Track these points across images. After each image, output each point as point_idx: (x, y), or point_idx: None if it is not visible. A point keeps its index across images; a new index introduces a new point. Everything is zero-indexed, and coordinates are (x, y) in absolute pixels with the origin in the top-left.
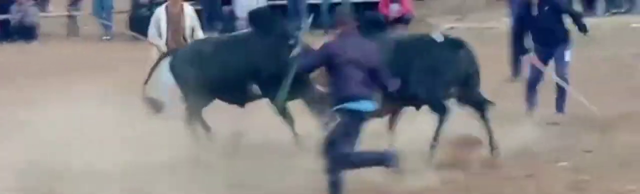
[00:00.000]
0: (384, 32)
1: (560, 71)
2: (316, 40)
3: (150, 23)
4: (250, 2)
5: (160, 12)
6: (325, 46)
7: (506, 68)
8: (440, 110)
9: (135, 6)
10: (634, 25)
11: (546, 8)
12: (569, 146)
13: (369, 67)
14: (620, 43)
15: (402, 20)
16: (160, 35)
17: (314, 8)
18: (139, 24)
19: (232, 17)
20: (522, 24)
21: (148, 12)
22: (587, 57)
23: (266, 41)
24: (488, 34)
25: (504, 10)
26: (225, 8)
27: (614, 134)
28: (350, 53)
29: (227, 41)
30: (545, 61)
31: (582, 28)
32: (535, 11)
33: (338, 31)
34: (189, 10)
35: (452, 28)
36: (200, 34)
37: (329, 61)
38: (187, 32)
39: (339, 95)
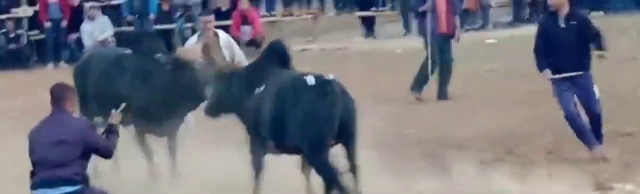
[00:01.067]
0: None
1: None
2: None
3: None
4: (95, 30)
5: (192, 43)
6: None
7: (371, 88)
8: (322, 168)
9: None
10: (489, 41)
11: (571, 23)
12: None
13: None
14: (477, 59)
15: (254, 43)
16: None
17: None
18: None
19: (79, 45)
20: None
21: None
22: None
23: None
24: (340, 55)
25: (355, 31)
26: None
27: None
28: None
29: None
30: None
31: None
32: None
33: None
34: (223, 38)
35: (304, 50)
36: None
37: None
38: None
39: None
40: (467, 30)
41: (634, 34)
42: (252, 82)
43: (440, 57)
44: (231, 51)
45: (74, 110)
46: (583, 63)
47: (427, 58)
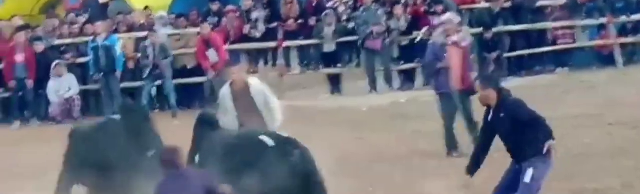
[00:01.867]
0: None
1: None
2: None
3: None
4: (61, 88)
5: (225, 93)
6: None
7: (335, 147)
8: None
9: None
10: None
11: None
12: None
13: None
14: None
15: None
16: (231, 120)
17: (131, 92)
18: None
19: (46, 102)
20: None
21: None
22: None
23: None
24: (306, 112)
25: (321, 88)
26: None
27: None
28: None
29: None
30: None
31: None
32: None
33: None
34: (256, 86)
35: None
36: (273, 111)
37: None
38: (260, 110)
39: None
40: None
41: (599, 90)
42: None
43: (464, 111)
44: (263, 98)
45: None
46: (525, 154)
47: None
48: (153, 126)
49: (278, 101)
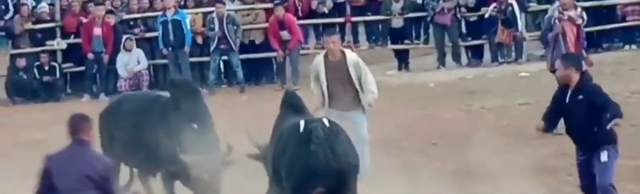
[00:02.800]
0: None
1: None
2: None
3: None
4: (130, 62)
5: (318, 62)
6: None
7: (403, 123)
8: None
9: (13, 70)
10: (522, 74)
11: (579, 97)
12: None
13: None
14: (510, 92)
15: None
16: (321, 90)
17: (199, 67)
18: (17, 88)
19: (115, 76)
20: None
21: (25, 76)
22: (475, 108)
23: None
24: None
25: (389, 64)
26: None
27: None
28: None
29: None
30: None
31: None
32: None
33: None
34: (352, 58)
35: None
36: (368, 84)
37: None
38: (355, 83)
39: None
40: (501, 63)
41: None
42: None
43: None
44: (358, 70)
45: (93, 142)
46: (596, 142)
47: None
48: (201, 99)
49: (371, 75)
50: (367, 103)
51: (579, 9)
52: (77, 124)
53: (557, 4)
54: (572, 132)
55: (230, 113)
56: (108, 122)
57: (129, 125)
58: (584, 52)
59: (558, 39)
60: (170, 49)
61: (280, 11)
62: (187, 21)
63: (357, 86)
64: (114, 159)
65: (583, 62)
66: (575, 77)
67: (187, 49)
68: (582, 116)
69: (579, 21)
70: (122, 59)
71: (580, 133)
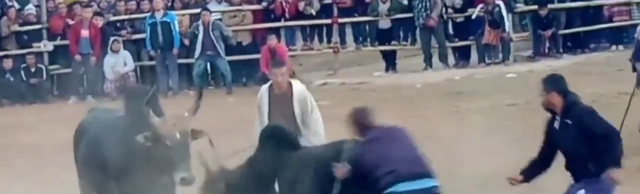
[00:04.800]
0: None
1: None
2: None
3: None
4: (117, 63)
5: (262, 94)
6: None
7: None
8: None
9: (5, 71)
10: (509, 75)
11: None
12: None
13: None
14: (497, 93)
15: None
16: (262, 124)
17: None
18: (4, 90)
19: (101, 78)
20: None
21: (12, 78)
22: (462, 110)
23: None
24: (361, 89)
25: (376, 65)
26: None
27: None
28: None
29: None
30: None
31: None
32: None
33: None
34: (299, 91)
35: (324, 84)
36: (313, 122)
37: None
38: (298, 119)
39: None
40: (488, 64)
41: None
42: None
43: None
44: (304, 105)
45: None
46: (585, 172)
47: None
48: (155, 107)
49: (319, 113)
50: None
51: None
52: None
53: None
54: (566, 161)
55: (217, 115)
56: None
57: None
58: None
59: None
60: (158, 51)
61: (273, 41)
62: (176, 23)
63: (299, 123)
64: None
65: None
66: (558, 101)
67: (175, 51)
68: (573, 144)
69: None
70: (109, 60)
71: (570, 162)
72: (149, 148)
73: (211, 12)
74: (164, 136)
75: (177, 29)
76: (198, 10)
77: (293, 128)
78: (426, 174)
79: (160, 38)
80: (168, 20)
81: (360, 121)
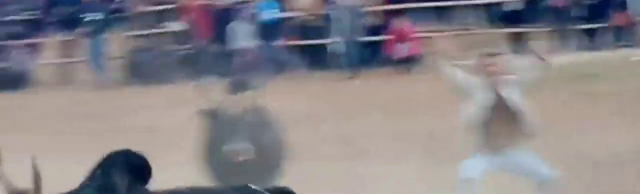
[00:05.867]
0: None
1: None
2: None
3: None
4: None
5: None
6: None
7: None
8: None
9: (134, 51)
10: (635, 58)
11: None
12: None
13: None
14: (624, 77)
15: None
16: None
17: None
18: (138, 70)
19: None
20: None
21: (142, 58)
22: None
23: None
24: None
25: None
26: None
27: None
28: None
29: None
30: None
31: None
32: None
33: None
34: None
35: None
36: None
37: None
38: None
39: None
40: (618, 47)
41: None
42: None
43: None
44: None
45: None
46: None
47: None
48: None
49: None
50: None
51: None
52: None
53: None
54: None
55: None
56: None
57: None
58: None
59: None
60: None
61: (401, 23)
62: None
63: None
64: None
65: None
66: None
67: None
68: None
69: None
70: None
71: None
72: None
73: None
74: None
75: None
76: None
77: None
78: None
79: None
80: None
81: None
